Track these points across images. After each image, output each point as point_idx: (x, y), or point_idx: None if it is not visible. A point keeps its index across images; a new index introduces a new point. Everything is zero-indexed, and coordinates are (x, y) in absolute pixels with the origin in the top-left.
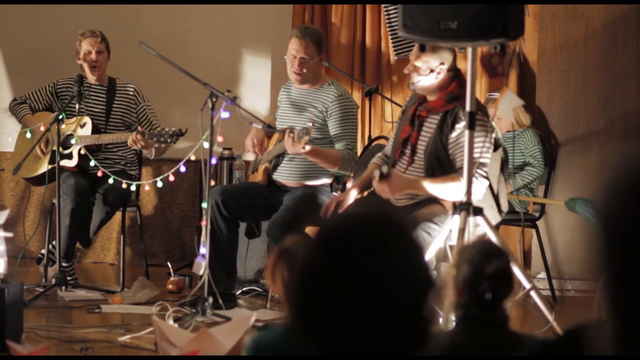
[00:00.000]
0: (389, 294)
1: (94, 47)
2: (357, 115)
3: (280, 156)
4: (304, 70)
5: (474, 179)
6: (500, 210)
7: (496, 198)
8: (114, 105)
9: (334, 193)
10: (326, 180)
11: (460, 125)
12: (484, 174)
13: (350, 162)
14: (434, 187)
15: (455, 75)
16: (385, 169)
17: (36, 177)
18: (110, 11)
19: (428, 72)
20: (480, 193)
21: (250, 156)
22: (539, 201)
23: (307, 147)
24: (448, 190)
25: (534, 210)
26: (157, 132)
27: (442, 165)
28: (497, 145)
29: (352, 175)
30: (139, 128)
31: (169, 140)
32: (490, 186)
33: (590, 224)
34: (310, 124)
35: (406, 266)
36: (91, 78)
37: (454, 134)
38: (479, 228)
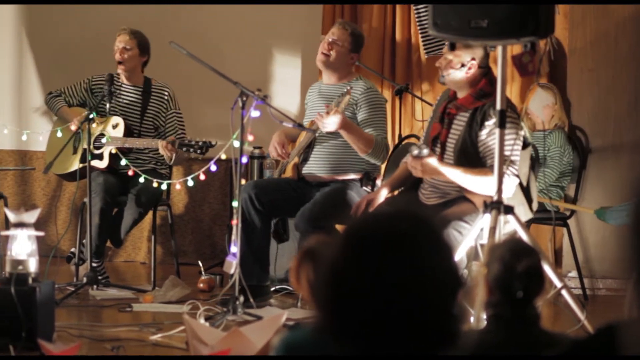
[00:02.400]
0: (418, 293)
1: (121, 43)
2: (385, 108)
3: (309, 148)
4: (331, 52)
5: (505, 176)
6: (531, 208)
7: (527, 195)
8: (149, 107)
9: (364, 188)
10: (355, 176)
11: (490, 123)
12: (515, 171)
13: (382, 148)
14: (465, 178)
15: (485, 73)
16: (425, 151)
17: (68, 174)
18: (142, 10)
19: (459, 66)
20: (510, 191)
21: None
22: (570, 207)
23: (338, 119)
24: (479, 183)
25: (565, 209)
26: (186, 142)
27: (471, 162)
28: (525, 144)
29: (382, 172)
30: (172, 137)
31: (198, 151)
32: (521, 183)
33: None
34: (349, 87)
35: (435, 266)
36: (123, 77)
37: (483, 132)
38: (509, 224)
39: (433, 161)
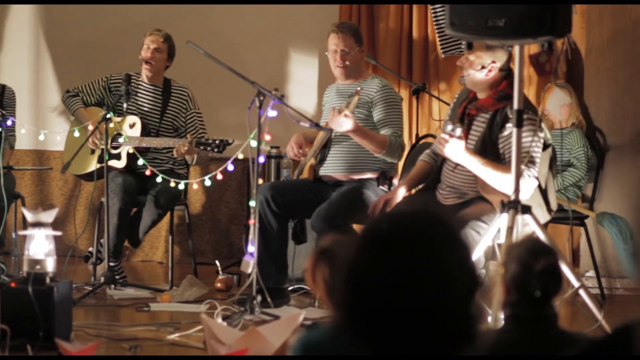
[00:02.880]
0: (436, 293)
1: (153, 43)
2: (401, 106)
3: (325, 148)
4: (347, 63)
5: (523, 177)
6: (549, 209)
7: (545, 197)
8: (168, 107)
9: (381, 187)
10: (372, 175)
11: (511, 125)
12: (534, 173)
13: (397, 148)
14: (485, 170)
15: (507, 75)
16: (459, 130)
17: (86, 174)
18: (159, 10)
19: (479, 67)
20: (528, 192)
21: None
22: (575, 209)
23: (350, 123)
24: (498, 178)
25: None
26: (203, 140)
27: None
28: (545, 145)
29: (399, 172)
30: (188, 136)
31: (215, 150)
32: (539, 185)
33: (614, 241)
34: (359, 88)
35: (452, 265)
36: (144, 76)
37: (504, 133)
38: (528, 227)
39: (461, 143)
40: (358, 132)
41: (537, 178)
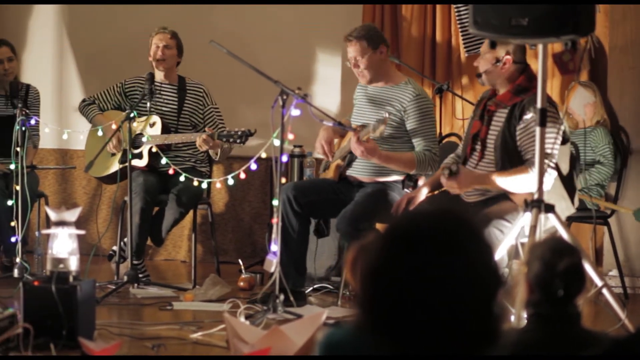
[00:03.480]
0: (458, 292)
1: (161, 41)
2: (434, 114)
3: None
4: (362, 69)
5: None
6: (572, 202)
7: (568, 189)
8: (185, 105)
9: (406, 190)
10: (398, 177)
11: (528, 117)
12: (552, 164)
13: (427, 163)
14: (503, 181)
15: (523, 69)
16: (454, 167)
17: (107, 176)
18: (181, 11)
19: (494, 61)
20: (548, 184)
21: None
22: (609, 206)
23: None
24: (517, 183)
25: (606, 208)
26: (226, 132)
27: (511, 158)
28: (564, 139)
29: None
30: (207, 129)
31: (238, 141)
32: (562, 177)
33: None
34: (387, 115)
35: (475, 264)
36: (159, 76)
37: (520, 126)
38: (550, 221)
39: (466, 173)
40: (382, 158)
41: (555, 169)
